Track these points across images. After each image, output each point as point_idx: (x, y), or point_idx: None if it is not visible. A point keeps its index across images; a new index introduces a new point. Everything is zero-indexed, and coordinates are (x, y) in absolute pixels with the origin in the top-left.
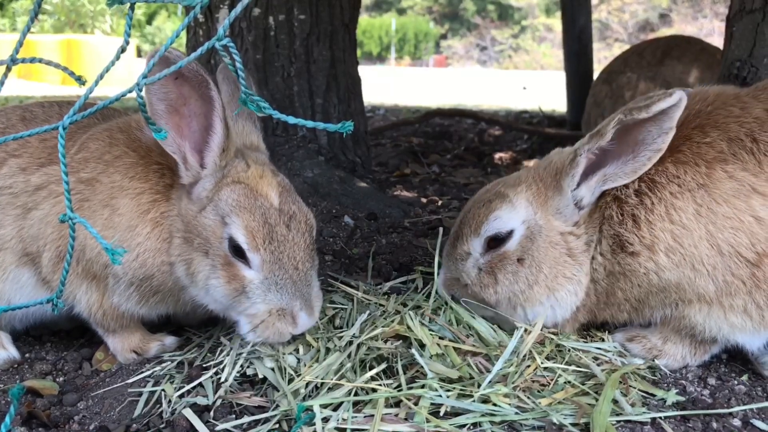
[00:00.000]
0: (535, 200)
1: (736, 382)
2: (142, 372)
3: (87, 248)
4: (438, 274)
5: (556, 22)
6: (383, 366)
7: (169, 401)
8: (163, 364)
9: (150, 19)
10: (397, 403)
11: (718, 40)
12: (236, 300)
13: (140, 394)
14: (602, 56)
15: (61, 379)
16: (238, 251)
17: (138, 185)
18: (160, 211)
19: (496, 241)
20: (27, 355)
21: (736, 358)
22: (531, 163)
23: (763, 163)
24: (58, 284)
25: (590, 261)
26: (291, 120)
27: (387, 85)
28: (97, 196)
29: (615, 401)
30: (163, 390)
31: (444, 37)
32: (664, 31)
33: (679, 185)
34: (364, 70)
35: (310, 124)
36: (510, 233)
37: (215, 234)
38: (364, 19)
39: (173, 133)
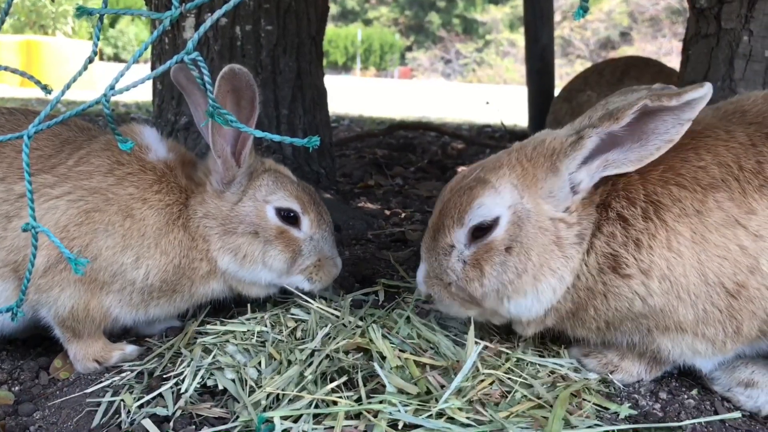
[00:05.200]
0: (520, 182)
1: (686, 396)
2: (101, 382)
3: (99, 258)
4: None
5: (520, 38)
6: (344, 378)
7: (129, 411)
8: (123, 374)
9: (113, 22)
10: (357, 415)
11: (676, 59)
12: (293, 260)
13: (99, 404)
14: (564, 72)
15: (16, 388)
16: (289, 218)
17: (164, 197)
18: (185, 217)
19: (481, 231)
20: None
21: (686, 373)
22: None
23: (746, 192)
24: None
25: (578, 262)
26: (258, 133)
27: (352, 94)
28: (112, 207)
29: (569, 414)
30: (122, 400)
31: (409, 49)
32: (625, 49)
33: (681, 209)
34: (329, 80)
35: (276, 138)
36: (496, 221)
37: (259, 215)
38: (329, 28)
39: (221, 140)
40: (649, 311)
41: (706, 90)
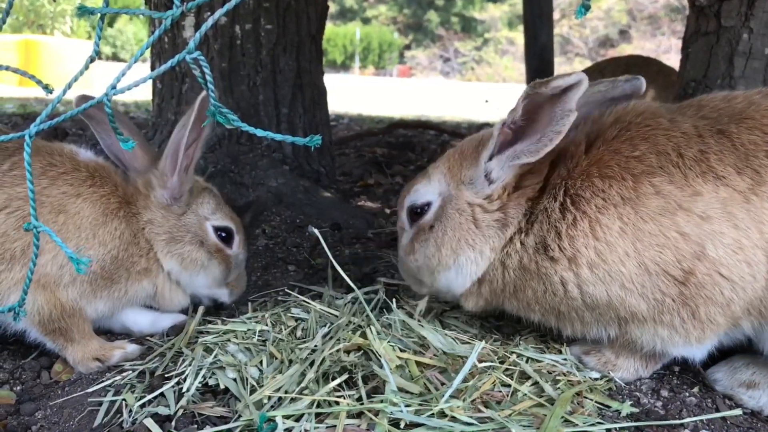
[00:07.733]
0: (449, 173)
1: (687, 394)
2: (103, 381)
3: (43, 251)
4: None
5: (519, 36)
6: (345, 377)
7: (130, 411)
8: (124, 374)
9: (111, 21)
10: (359, 414)
11: (675, 57)
12: (226, 273)
13: (100, 404)
14: (563, 71)
15: (18, 388)
16: (224, 238)
17: (99, 190)
18: (126, 212)
19: (417, 215)
20: None
21: (687, 370)
22: None
23: (688, 177)
24: None
25: (505, 243)
26: (259, 132)
27: (351, 93)
28: (45, 208)
29: (571, 413)
30: (124, 399)
31: (408, 47)
32: (624, 47)
33: (604, 200)
34: (328, 79)
35: (278, 137)
36: (427, 205)
37: (202, 229)
38: (328, 27)
39: (171, 158)
40: (594, 302)
41: (575, 78)
